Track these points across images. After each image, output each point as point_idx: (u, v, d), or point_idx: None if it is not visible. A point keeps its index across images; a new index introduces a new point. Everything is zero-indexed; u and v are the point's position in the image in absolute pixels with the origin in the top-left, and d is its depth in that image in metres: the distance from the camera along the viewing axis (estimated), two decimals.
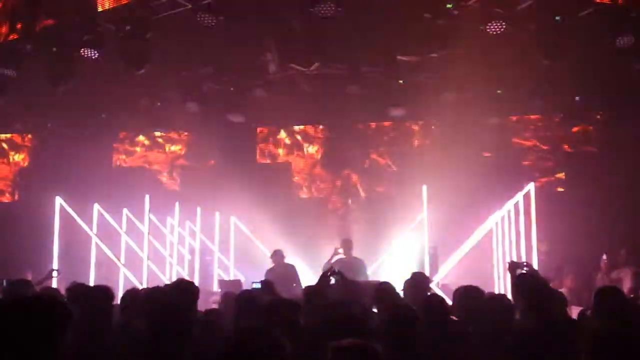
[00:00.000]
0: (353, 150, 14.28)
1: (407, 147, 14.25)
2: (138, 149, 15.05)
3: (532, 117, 13.81)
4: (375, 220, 13.30)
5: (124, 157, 14.99)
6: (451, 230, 11.59)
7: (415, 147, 14.24)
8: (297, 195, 14.45)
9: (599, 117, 13.51)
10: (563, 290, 8.92)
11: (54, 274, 9.15)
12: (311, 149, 14.74)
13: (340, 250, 10.63)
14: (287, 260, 11.07)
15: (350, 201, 14.33)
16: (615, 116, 12.93)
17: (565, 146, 13.67)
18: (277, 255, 11.01)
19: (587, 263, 11.13)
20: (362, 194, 14.37)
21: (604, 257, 10.76)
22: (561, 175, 13.58)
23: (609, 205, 12.13)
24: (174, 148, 15.02)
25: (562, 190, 13.48)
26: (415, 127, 14.31)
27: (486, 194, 11.70)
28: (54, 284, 9.10)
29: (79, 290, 5.87)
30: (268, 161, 14.81)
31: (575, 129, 13.59)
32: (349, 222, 13.86)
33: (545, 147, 13.79)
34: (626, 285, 9.71)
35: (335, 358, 3.13)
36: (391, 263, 12.16)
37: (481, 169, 12.64)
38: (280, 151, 14.84)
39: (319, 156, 14.68)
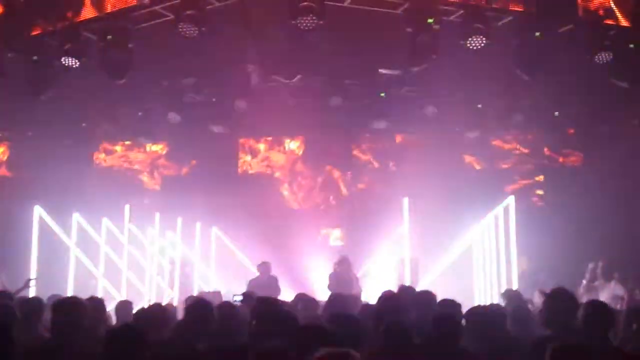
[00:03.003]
0: (335, 147, 14.25)
1: (389, 145, 14.28)
2: (118, 148, 14.88)
3: (512, 132, 13.89)
4: (357, 221, 13.38)
5: (103, 155, 14.84)
6: (432, 240, 11.64)
7: (397, 143, 14.28)
8: (278, 206, 14.36)
9: (576, 131, 13.62)
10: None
11: (31, 283, 9.18)
12: (292, 145, 14.72)
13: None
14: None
15: (331, 198, 14.31)
16: (593, 131, 13.04)
17: (545, 149, 13.76)
18: (265, 267, 11.07)
19: (565, 275, 11.16)
20: (344, 190, 14.36)
21: (590, 265, 10.77)
22: (540, 178, 13.69)
23: (587, 217, 12.21)
24: (155, 148, 14.83)
25: (542, 192, 13.55)
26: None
27: (468, 201, 11.76)
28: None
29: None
30: (249, 157, 14.64)
31: (553, 143, 13.71)
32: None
33: (525, 151, 13.89)
34: (602, 297, 9.77)
35: None
36: (373, 274, 12.18)
37: (463, 175, 12.75)
38: (261, 146, 14.77)
39: (301, 152, 14.66)
